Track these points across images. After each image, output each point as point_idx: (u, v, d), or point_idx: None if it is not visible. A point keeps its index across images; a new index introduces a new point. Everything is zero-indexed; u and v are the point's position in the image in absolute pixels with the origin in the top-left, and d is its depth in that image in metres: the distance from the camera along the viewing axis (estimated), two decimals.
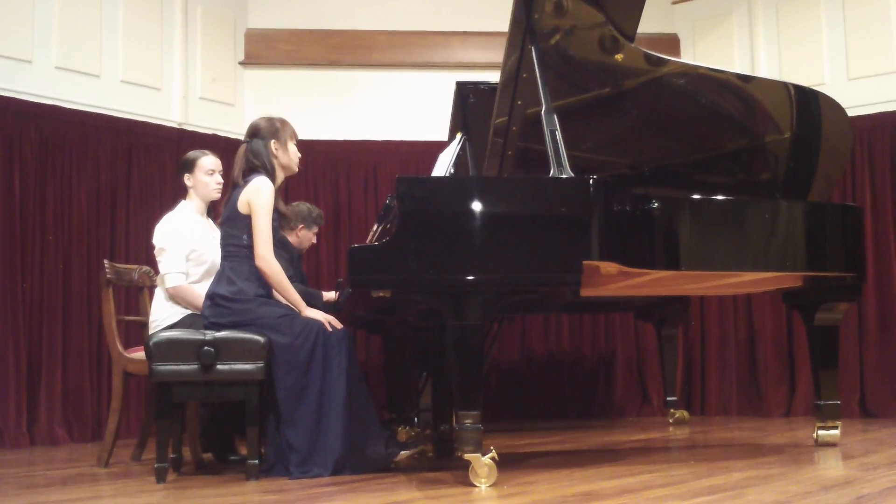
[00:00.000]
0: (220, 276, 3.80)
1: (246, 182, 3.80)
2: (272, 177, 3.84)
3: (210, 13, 6.54)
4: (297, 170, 4.01)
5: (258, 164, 3.84)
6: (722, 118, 4.41)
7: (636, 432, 5.34)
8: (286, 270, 4.10)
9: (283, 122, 3.95)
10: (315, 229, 5.50)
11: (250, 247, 3.74)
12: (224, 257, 3.83)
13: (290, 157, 3.93)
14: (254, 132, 3.91)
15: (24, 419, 5.20)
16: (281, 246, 4.73)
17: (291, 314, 3.72)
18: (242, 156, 3.88)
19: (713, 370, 6.38)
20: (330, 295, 5.35)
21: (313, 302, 5.13)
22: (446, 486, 3.26)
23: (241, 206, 3.75)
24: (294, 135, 3.97)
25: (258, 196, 3.73)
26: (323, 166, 6.64)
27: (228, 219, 3.82)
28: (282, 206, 3.92)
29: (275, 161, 3.87)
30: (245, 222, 3.75)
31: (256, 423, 3.58)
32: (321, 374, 3.60)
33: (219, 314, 3.71)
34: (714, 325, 6.40)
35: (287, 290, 3.78)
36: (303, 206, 5.45)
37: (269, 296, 3.80)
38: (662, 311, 5.73)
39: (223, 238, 3.85)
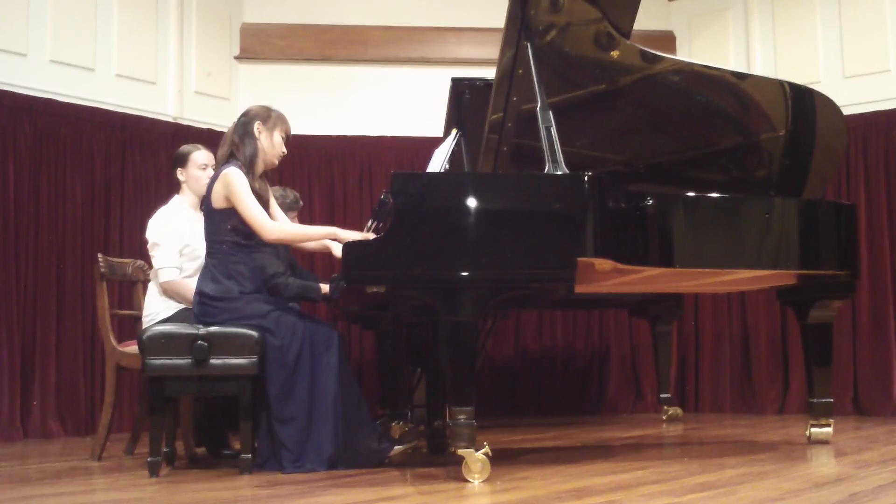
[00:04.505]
0: (205, 274, 3.78)
1: (217, 173, 3.75)
2: (250, 162, 3.76)
3: (205, 7, 6.52)
4: (276, 163, 3.90)
5: (238, 143, 3.76)
6: (717, 115, 4.41)
7: (630, 429, 5.35)
8: (275, 266, 4.07)
9: (279, 115, 3.88)
10: (292, 214, 5.25)
11: (229, 242, 3.72)
12: (207, 254, 3.80)
13: (273, 144, 3.83)
14: (245, 112, 3.88)
15: (17, 413, 5.19)
16: (263, 241, 4.66)
17: (278, 310, 3.70)
18: (230, 132, 3.83)
19: (707, 367, 6.38)
20: (325, 288, 5.32)
21: (312, 296, 5.11)
22: (440, 482, 3.26)
23: (216, 200, 3.71)
24: (285, 129, 3.88)
25: (231, 183, 3.66)
26: (317, 162, 6.62)
27: (206, 215, 3.80)
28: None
29: (257, 143, 3.80)
30: (221, 217, 3.71)
31: (250, 418, 3.57)
32: (310, 372, 3.60)
33: (206, 313, 3.69)
34: (708, 322, 6.40)
35: (312, 234, 3.97)
36: (276, 192, 5.29)
37: (257, 291, 3.77)
38: (657, 307, 5.74)
39: (205, 234, 3.82)
